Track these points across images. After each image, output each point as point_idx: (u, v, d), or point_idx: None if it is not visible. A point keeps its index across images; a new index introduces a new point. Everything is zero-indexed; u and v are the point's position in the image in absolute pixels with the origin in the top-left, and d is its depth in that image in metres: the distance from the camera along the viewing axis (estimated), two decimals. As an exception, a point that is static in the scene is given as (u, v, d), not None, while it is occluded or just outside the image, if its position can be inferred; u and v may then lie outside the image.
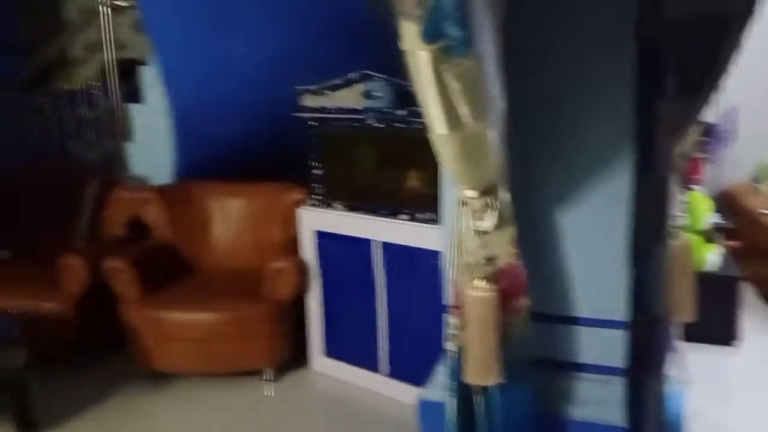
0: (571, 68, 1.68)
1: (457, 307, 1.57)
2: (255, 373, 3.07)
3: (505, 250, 1.55)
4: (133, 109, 3.92)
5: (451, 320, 1.61)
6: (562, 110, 1.72)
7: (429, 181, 2.61)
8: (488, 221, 1.51)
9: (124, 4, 4.08)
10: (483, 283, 1.51)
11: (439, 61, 1.18)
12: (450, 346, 1.61)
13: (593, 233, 1.76)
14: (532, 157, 1.74)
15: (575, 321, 1.82)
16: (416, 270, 2.74)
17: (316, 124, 3.02)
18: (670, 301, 1.83)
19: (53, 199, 3.65)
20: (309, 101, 3.02)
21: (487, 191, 1.48)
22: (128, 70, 3.94)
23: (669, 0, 1.47)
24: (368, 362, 3.01)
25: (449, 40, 1.15)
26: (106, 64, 4.02)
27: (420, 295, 2.73)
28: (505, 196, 1.53)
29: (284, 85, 3.05)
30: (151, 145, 3.81)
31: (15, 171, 4.09)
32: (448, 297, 1.68)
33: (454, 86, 1.21)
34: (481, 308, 1.50)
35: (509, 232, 1.55)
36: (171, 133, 3.54)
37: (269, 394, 3.03)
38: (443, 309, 1.82)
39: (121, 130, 4.01)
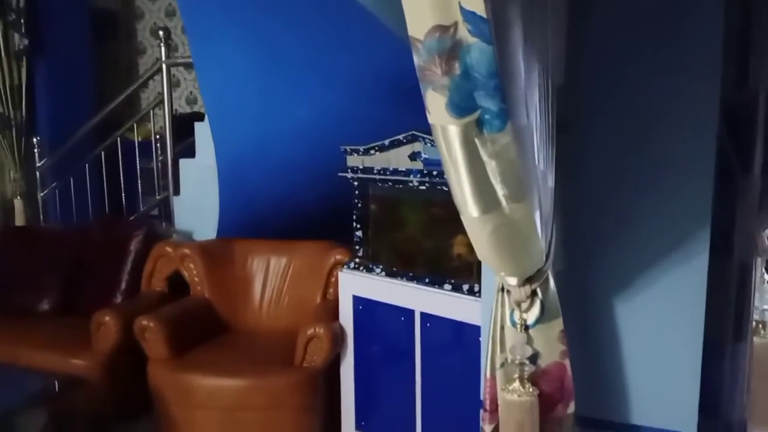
0: (640, 139, 1.47)
1: (492, 411, 1.36)
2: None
3: (550, 346, 1.34)
4: (184, 164, 3.93)
5: (484, 425, 1.39)
6: (626, 184, 1.50)
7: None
8: (531, 313, 1.31)
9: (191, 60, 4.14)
10: (522, 386, 1.30)
11: (471, 136, 1.02)
12: (482, 456, 1.40)
13: (659, 327, 1.51)
14: (587, 238, 1.52)
15: (633, 430, 1.56)
16: (459, 346, 2.52)
17: (360, 184, 2.92)
18: (749, 409, 1.58)
19: (101, 252, 3.63)
20: (354, 161, 2.93)
21: (531, 279, 1.29)
22: (192, 125, 3.98)
23: (757, 66, 1.28)
24: (403, 442, 2.78)
25: (482, 113, 0.99)
26: (164, 119, 4.08)
27: (461, 375, 2.50)
28: (551, 284, 1.33)
29: (332, 144, 2.98)
30: (198, 201, 3.78)
31: (72, 222, 4.16)
32: (483, 396, 1.47)
33: (490, 164, 1.05)
34: (518, 415, 1.29)
35: (556, 325, 1.35)
36: (217, 189, 3.51)
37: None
38: (481, 404, 1.60)
39: (171, 184, 4.03)
